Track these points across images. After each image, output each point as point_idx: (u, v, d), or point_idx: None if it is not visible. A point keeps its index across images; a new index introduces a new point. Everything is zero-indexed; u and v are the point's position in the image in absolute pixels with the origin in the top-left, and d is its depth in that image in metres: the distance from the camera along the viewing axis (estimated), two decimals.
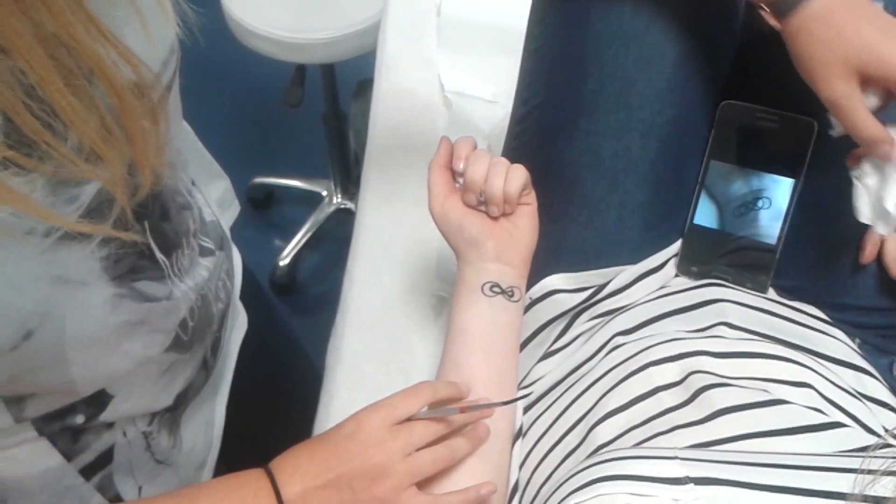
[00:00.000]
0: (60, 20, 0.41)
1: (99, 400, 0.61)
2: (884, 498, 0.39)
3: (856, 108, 0.63)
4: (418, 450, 0.62)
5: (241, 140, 2.43)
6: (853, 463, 0.51)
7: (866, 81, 0.64)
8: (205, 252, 0.70)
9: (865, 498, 0.40)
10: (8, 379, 0.51)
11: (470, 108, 1.14)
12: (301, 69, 1.79)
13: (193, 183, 0.74)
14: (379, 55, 1.23)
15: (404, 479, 0.61)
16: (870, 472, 0.50)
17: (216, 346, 0.74)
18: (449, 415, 0.64)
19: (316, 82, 1.84)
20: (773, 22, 0.66)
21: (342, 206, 2.10)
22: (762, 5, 0.66)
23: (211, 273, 0.69)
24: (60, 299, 0.50)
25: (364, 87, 1.84)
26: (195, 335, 0.67)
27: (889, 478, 0.43)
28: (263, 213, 2.26)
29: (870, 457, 0.52)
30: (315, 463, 0.60)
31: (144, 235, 0.57)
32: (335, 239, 2.13)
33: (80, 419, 0.60)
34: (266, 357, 1.00)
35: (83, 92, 0.44)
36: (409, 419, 0.63)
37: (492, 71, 1.17)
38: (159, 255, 0.59)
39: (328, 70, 1.80)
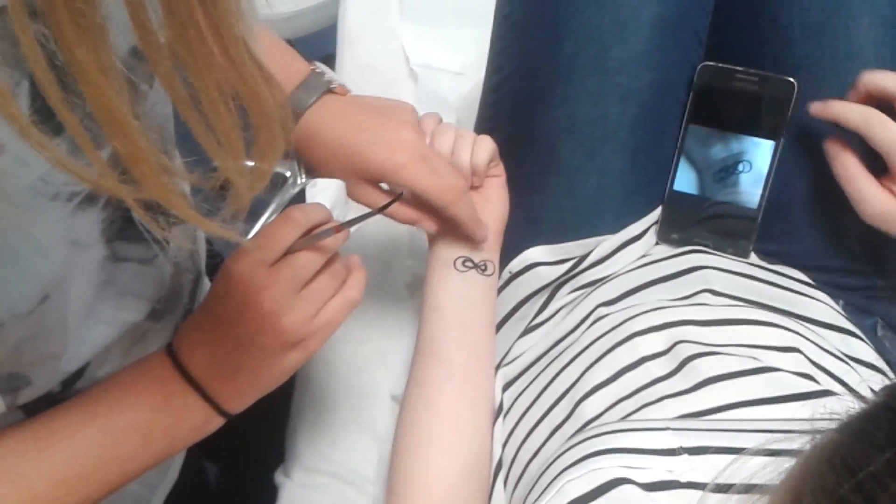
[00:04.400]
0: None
1: (78, 378, 0.58)
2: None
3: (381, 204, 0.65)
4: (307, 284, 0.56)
5: None
6: None
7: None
8: (175, 220, 0.67)
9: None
10: (13, 346, 0.48)
11: (437, 80, 1.11)
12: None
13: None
14: (340, 28, 1.19)
15: (306, 311, 0.55)
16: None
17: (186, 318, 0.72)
18: (326, 238, 0.57)
19: None
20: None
21: (307, 187, 2.06)
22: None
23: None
24: (72, 262, 0.48)
25: (326, 62, 1.79)
26: (167, 305, 0.65)
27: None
28: (225, 195, 2.21)
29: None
30: (208, 333, 0.56)
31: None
32: None
33: (57, 388, 0.57)
34: None
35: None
36: (285, 255, 0.56)
37: (459, 42, 1.13)
38: (137, 217, 0.57)
39: (289, 46, 1.75)
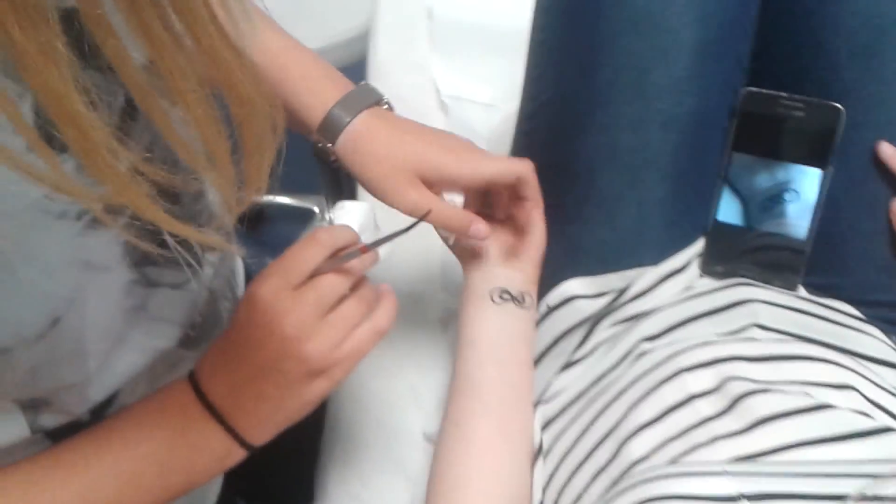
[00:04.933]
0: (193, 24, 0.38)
1: (107, 407, 0.56)
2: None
3: (436, 206, 0.63)
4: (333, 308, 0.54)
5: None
6: None
7: (432, 187, 0.65)
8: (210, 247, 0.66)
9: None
10: (28, 371, 0.47)
11: (467, 112, 1.10)
12: None
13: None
14: (370, 62, 1.19)
15: (331, 338, 0.53)
16: None
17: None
18: (352, 259, 0.54)
19: None
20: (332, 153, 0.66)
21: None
22: (317, 140, 0.66)
23: (216, 269, 0.65)
24: (86, 285, 0.46)
25: None
26: (203, 332, 0.63)
27: None
28: (255, 232, 2.21)
29: None
30: (230, 360, 0.53)
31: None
32: None
33: (86, 417, 0.56)
34: None
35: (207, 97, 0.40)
36: (310, 277, 0.53)
37: (488, 73, 1.13)
38: (170, 241, 0.55)
39: None
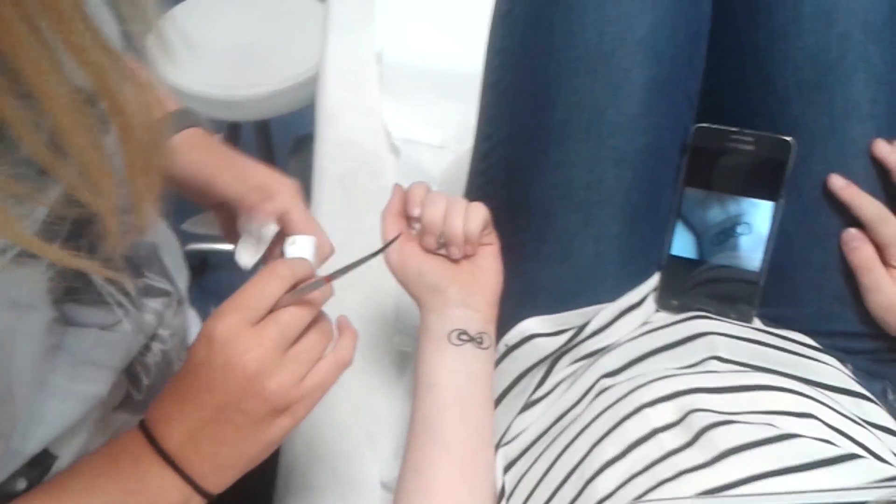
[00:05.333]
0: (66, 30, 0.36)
1: (43, 462, 0.53)
2: None
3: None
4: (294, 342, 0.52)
5: (171, 204, 2.33)
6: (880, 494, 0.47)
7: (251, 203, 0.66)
8: (153, 292, 0.63)
9: None
10: None
11: (419, 154, 1.10)
12: (234, 127, 1.73)
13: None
14: (319, 107, 1.19)
15: (294, 373, 0.51)
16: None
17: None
18: (314, 290, 0.53)
19: (250, 140, 1.78)
20: None
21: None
22: None
23: (160, 320, 0.62)
24: (12, 325, 0.44)
25: (301, 142, 1.79)
26: (149, 395, 0.60)
27: None
28: (200, 280, 2.17)
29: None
30: (186, 403, 0.51)
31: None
32: None
33: (21, 485, 0.52)
34: None
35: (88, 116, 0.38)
36: (269, 312, 0.52)
37: (439, 116, 1.13)
38: (97, 279, 0.52)
39: (263, 127, 1.75)
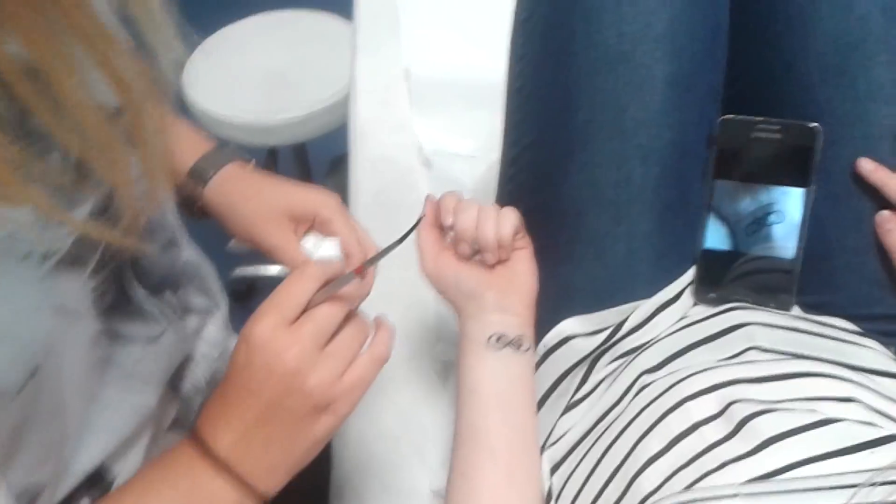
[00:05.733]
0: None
1: (102, 480, 0.55)
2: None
3: (290, 250, 0.67)
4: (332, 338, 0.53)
5: (217, 231, 2.38)
6: None
7: (300, 222, 0.68)
8: (193, 307, 0.65)
9: None
10: (10, 431, 0.45)
11: (451, 165, 1.12)
12: (273, 152, 1.76)
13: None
14: (351, 125, 1.21)
15: (332, 369, 0.52)
16: None
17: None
18: (347, 284, 0.54)
19: (289, 164, 1.81)
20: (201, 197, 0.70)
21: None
22: (184, 185, 0.69)
23: (207, 340, 0.64)
24: (61, 332, 0.46)
25: (337, 164, 1.82)
26: None
27: None
28: (247, 306, 2.20)
29: None
30: (233, 406, 0.52)
31: (123, 269, 0.53)
32: None
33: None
34: None
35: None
36: (304, 311, 0.53)
37: (469, 126, 1.15)
38: (140, 292, 0.54)
39: (300, 150, 1.78)
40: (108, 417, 0.53)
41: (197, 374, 0.63)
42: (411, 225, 0.67)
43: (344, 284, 0.55)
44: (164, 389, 0.58)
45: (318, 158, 1.86)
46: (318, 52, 1.68)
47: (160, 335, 0.56)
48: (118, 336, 0.52)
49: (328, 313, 0.53)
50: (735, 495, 0.47)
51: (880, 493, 0.34)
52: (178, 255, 0.62)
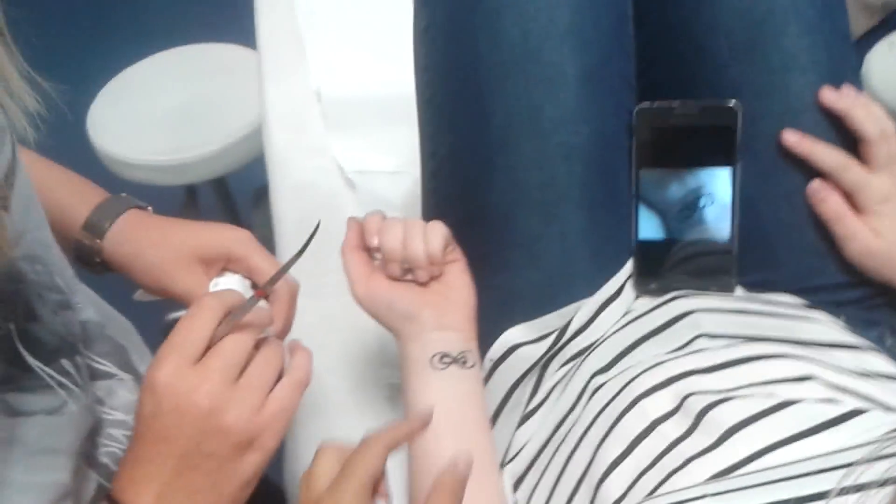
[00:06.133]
0: None
1: None
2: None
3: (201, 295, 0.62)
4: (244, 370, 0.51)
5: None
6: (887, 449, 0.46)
7: (211, 264, 0.65)
8: (98, 375, 0.61)
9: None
10: None
11: (376, 183, 1.09)
12: (191, 190, 1.70)
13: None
14: (268, 154, 1.17)
15: (249, 402, 0.50)
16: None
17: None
18: (250, 310, 0.52)
19: (210, 201, 1.76)
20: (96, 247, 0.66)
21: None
22: (80, 239, 0.66)
23: (118, 405, 0.60)
24: None
25: (262, 194, 1.77)
26: None
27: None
28: None
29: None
30: (147, 462, 0.49)
31: (11, 339, 0.49)
32: None
33: None
34: None
35: None
36: (208, 348, 0.50)
37: (389, 142, 1.12)
38: (33, 362, 0.50)
39: (220, 185, 1.73)
40: (18, 501, 0.48)
41: (112, 442, 0.59)
42: (309, 235, 0.64)
43: (247, 311, 0.52)
44: (76, 462, 0.54)
45: (241, 191, 1.81)
46: (227, 83, 1.64)
47: (61, 406, 0.52)
48: (15, 412, 0.48)
49: (235, 344, 0.51)
50: (703, 496, 0.45)
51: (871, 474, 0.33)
52: (72, 318, 0.58)
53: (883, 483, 0.33)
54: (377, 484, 0.51)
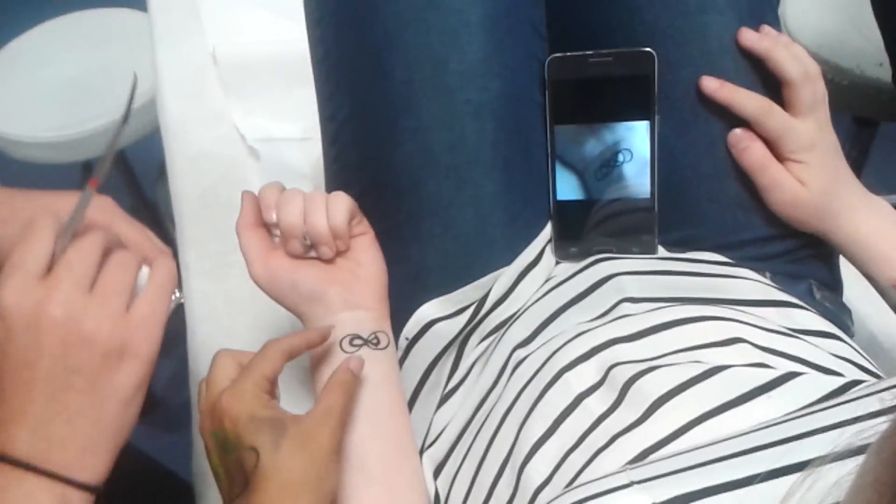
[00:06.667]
0: None
1: None
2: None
3: None
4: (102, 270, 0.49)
5: None
6: (823, 419, 0.43)
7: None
8: None
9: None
10: None
11: (282, 151, 1.02)
12: (88, 166, 1.60)
13: None
14: (163, 125, 1.09)
15: (108, 307, 0.47)
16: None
17: None
18: (86, 207, 0.51)
19: (110, 177, 1.65)
20: None
21: (181, 302, 1.91)
22: None
23: None
24: None
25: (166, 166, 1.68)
26: None
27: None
28: None
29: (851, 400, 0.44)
30: (13, 394, 0.46)
31: None
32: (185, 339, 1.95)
33: None
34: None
35: None
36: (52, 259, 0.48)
37: (293, 107, 1.05)
38: None
39: (120, 159, 1.63)
40: None
41: None
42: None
43: (83, 209, 0.50)
44: None
45: (144, 164, 1.71)
46: (121, 51, 1.54)
47: None
48: None
49: (81, 252, 0.48)
50: (629, 484, 0.41)
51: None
52: None
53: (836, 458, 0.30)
54: (272, 386, 0.54)
